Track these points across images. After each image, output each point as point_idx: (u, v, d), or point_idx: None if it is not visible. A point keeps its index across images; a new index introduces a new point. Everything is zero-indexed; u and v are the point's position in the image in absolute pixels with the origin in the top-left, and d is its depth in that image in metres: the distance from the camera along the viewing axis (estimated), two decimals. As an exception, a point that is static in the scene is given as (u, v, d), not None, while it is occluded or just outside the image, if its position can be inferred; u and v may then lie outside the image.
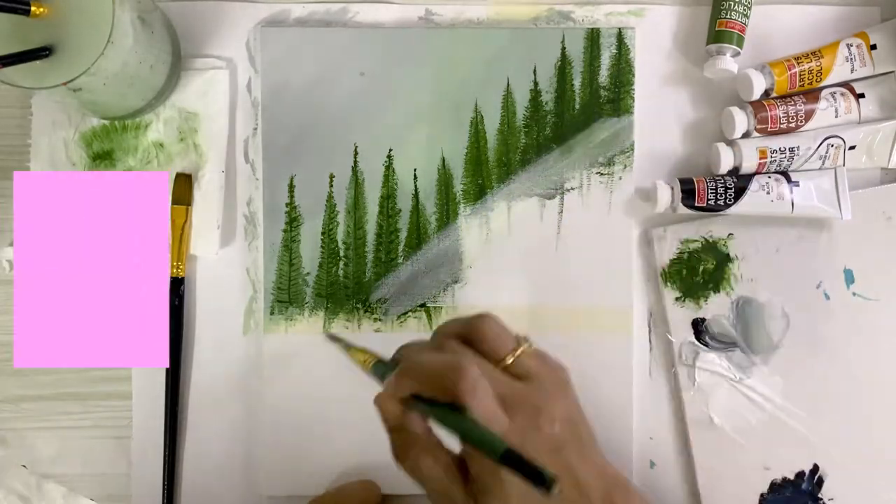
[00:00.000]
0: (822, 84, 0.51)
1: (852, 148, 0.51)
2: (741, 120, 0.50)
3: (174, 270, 0.50)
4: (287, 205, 0.51)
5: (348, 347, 0.40)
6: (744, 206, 0.50)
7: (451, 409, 0.33)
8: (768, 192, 0.50)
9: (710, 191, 0.50)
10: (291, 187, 0.51)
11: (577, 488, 0.35)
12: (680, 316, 0.51)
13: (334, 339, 0.42)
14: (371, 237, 0.52)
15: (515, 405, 0.35)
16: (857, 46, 0.51)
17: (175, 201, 0.50)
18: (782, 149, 0.50)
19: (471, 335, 0.36)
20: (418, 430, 0.35)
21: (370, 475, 0.50)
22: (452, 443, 0.35)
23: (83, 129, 0.51)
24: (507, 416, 0.34)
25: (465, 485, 0.35)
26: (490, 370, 0.35)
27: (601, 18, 0.53)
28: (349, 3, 0.52)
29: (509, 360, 0.36)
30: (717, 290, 0.52)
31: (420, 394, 0.34)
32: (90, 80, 0.42)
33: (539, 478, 0.29)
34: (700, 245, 0.52)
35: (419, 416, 0.35)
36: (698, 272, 0.52)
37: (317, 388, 0.51)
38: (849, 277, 0.52)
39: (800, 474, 0.51)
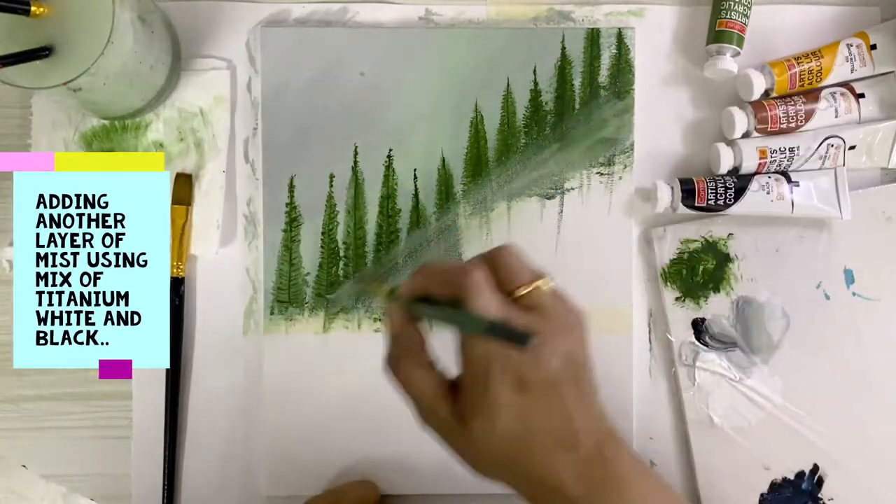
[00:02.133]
0: (822, 84, 0.51)
1: (852, 148, 0.51)
2: (741, 120, 0.50)
3: (174, 270, 0.50)
4: (287, 205, 0.51)
5: (369, 285, 0.42)
6: (744, 206, 0.50)
7: (452, 307, 0.34)
8: (768, 192, 0.50)
9: (710, 191, 0.50)
10: (291, 187, 0.51)
11: (568, 428, 0.35)
12: (680, 316, 0.51)
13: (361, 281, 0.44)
14: (371, 237, 0.52)
15: None
16: (857, 46, 0.51)
17: (175, 201, 0.50)
18: (782, 149, 0.50)
19: (489, 262, 0.36)
20: (416, 341, 0.36)
21: (370, 475, 0.50)
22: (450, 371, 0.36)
23: (83, 129, 0.51)
24: None
25: (452, 404, 0.35)
26: (499, 297, 0.35)
27: (601, 18, 0.53)
28: (349, 3, 0.52)
29: (522, 292, 0.35)
30: (717, 290, 0.51)
31: (427, 296, 0.36)
32: (90, 80, 0.42)
33: (521, 338, 0.31)
34: (700, 245, 0.52)
35: (419, 328, 0.37)
36: (698, 272, 0.52)
37: (317, 388, 0.51)
38: (849, 277, 0.52)
39: (800, 474, 0.51)
